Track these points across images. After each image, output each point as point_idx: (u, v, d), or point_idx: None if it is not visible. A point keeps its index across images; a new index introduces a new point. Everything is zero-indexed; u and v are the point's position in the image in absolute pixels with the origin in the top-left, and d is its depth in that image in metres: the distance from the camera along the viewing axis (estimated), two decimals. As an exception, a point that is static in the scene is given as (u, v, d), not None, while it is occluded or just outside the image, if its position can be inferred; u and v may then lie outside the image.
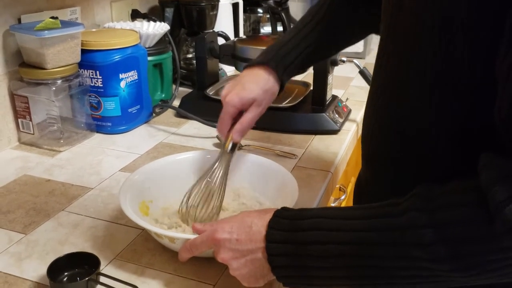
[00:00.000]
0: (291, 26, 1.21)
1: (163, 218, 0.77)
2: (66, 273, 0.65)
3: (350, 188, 1.26)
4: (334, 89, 1.23)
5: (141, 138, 1.12)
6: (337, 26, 0.85)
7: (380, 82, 0.65)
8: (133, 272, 0.67)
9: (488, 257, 0.47)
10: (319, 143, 1.09)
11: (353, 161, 1.27)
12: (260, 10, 1.79)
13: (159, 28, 1.24)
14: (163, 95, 1.31)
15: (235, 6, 1.59)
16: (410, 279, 0.51)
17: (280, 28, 1.68)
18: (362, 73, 1.25)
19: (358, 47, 1.76)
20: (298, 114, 1.14)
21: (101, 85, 1.09)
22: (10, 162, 0.99)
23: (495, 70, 0.48)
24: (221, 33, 1.36)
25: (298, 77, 1.38)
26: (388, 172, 0.65)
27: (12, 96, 1.05)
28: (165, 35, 1.27)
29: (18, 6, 1.04)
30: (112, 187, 0.90)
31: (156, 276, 0.67)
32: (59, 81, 1.03)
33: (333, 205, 1.12)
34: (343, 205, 1.16)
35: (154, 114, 1.23)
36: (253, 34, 1.79)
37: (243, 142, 1.07)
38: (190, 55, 1.49)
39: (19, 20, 1.05)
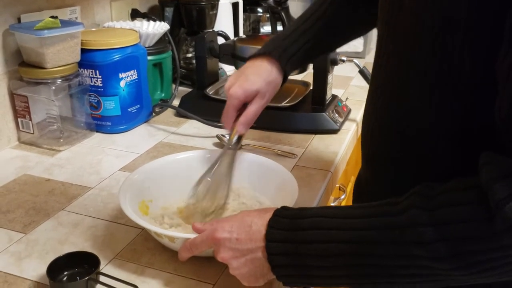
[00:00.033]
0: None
1: (163, 218, 0.77)
2: (66, 273, 0.65)
3: (350, 187, 1.26)
4: (334, 88, 1.23)
5: (140, 137, 1.12)
6: (337, 25, 0.85)
7: (380, 82, 0.65)
8: (133, 272, 0.67)
9: (488, 256, 0.47)
10: (319, 143, 1.09)
11: (353, 160, 1.27)
12: (260, 10, 1.79)
13: (159, 27, 1.24)
14: (163, 95, 1.31)
15: (235, 5, 1.59)
16: (410, 277, 0.51)
17: (280, 28, 1.68)
18: (362, 72, 1.25)
19: (358, 46, 1.76)
20: (298, 113, 1.14)
21: (101, 85, 1.09)
22: (10, 161, 0.99)
23: (495, 70, 0.48)
24: (221, 32, 1.36)
25: (298, 77, 1.38)
26: (388, 172, 0.65)
27: (12, 96, 1.05)
28: (165, 34, 1.27)
29: (18, 5, 1.04)
30: (112, 186, 0.90)
31: (156, 275, 0.67)
32: (58, 81, 1.03)
33: (333, 204, 1.12)
34: (343, 204, 1.16)
35: (153, 114, 1.23)
36: (253, 33, 1.79)
37: (243, 141, 1.07)
38: (190, 55, 1.49)
39: (19, 20, 1.05)
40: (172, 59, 1.31)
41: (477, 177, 0.48)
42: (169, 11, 1.48)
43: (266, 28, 1.79)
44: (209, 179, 0.76)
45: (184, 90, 1.36)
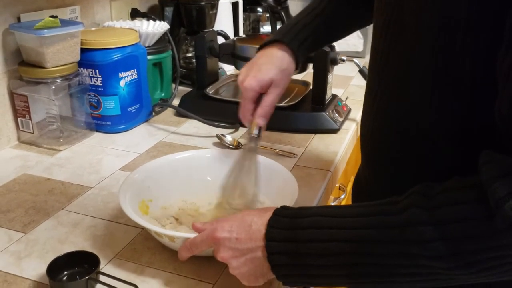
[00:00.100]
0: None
1: (163, 217, 0.77)
2: (65, 272, 0.65)
3: (350, 187, 1.26)
4: (334, 88, 1.23)
5: (140, 137, 1.12)
6: (336, 23, 0.85)
7: (380, 82, 0.65)
8: (133, 271, 0.67)
9: (487, 255, 0.47)
10: (319, 142, 1.09)
11: (352, 160, 1.27)
12: (259, 9, 1.79)
13: (159, 27, 1.24)
14: (163, 94, 1.31)
15: (234, 5, 1.59)
16: (410, 277, 0.51)
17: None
18: (361, 72, 1.25)
19: (358, 46, 1.76)
20: (298, 113, 1.14)
21: (101, 84, 1.09)
22: (10, 161, 0.99)
23: (495, 70, 0.48)
24: (221, 32, 1.36)
25: (298, 76, 1.38)
26: (388, 172, 0.65)
27: (12, 95, 1.05)
28: (164, 34, 1.27)
29: (18, 5, 1.04)
30: (111, 186, 0.90)
31: (156, 275, 0.67)
32: (58, 80, 1.03)
33: (332, 204, 1.12)
34: (342, 204, 1.16)
35: (153, 113, 1.23)
36: (253, 33, 1.79)
37: (243, 141, 1.07)
38: (189, 54, 1.49)
39: (19, 19, 1.05)
40: (172, 59, 1.32)
41: (477, 176, 0.48)
42: (169, 11, 1.48)
43: (266, 28, 1.80)
44: (235, 176, 0.75)
45: (184, 89, 1.36)
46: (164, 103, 1.25)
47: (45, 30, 0.97)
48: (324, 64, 1.13)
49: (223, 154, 0.89)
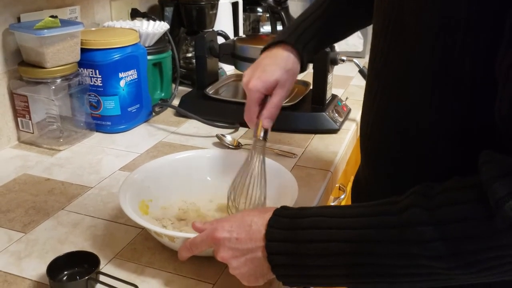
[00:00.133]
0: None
1: (163, 217, 0.77)
2: (65, 272, 0.65)
3: (350, 187, 1.26)
4: (334, 88, 1.23)
5: (140, 137, 1.12)
6: (338, 24, 0.85)
7: (380, 82, 0.65)
8: (133, 271, 0.67)
9: (487, 255, 0.47)
10: (318, 142, 1.09)
11: (352, 160, 1.27)
12: (259, 9, 1.79)
13: (159, 27, 1.24)
14: (163, 94, 1.31)
15: (234, 5, 1.59)
16: (410, 277, 0.51)
17: (280, 28, 1.68)
18: (361, 72, 1.25)
19: (358, 46, 1.76)
20: (298, 113, 1.14)
21: (101, 84, 1.09)
22: (10, 161, 0.99)
23: (495, 70, 0.48)
24: (221, 32, 1.36)
25: (298, 76, 1.38)
26: (388, 172, 0.65)
27: (12, 95, 1.05)
28: (164, 34, 1.27)
29: (18, 5, 1.04)
30: (111, 186, 0.90)
31: (156, 275, 0.67)
32: (58, 80, 1.03)
33: (332, 204, 1.12)
34: (342, 204, 1.16)
35: (153, 113, 1.23)
36: (253, 33, 1.79)
37: (243, 141, 1.07)
38: (189, 54, 1.49)
39: (19, 19, 1.05)
40: (172, 59, 1.32)
41: (476, 176, 0.48)
42: (169, 11, 1.48)
43: (266, 28, 1.80)
44: (242, 180, 0.74)
45: (184, 89, 1.36)
46: (164, 103, 1.25)
47: (45, 30, 0.97)
48: (324, 64, 1.13)
49: (223, 154, 0.89)
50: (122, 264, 0.69)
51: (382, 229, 0.52)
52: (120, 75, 1.09)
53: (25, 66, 1.02)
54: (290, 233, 0.56)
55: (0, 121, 1.03)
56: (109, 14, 1.35)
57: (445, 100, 0.54)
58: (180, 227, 0.76)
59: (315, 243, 0.55)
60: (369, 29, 1.19)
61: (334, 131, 1.13)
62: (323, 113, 1.13)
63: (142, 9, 1.47)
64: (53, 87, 1.02)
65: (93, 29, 1.21)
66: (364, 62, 1.57)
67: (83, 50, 1.07)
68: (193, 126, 1.17)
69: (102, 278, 0.64)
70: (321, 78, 1.14)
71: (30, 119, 1.05)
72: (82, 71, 1.08)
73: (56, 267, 0.63)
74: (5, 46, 1.03)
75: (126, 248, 0.72)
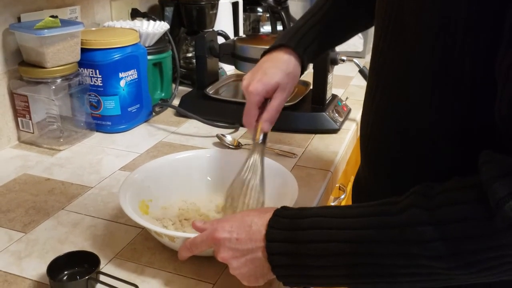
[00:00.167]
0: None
1: (163, 217, 0.77)
2: (66, 272, 0.65)
3: (350, 187, 1.26)
4: (334, 88, 1.23)
5: (141, 137, 1.12)
6: (338, 25, 0.85)
7: (380, 82, 0.65)
8: (133, 271, 0.67)
9: (487, 255, 0.47)
10: (319, 142, 1.09)
11: (352, 160, 1.27)
12: (259, 9, 1.79)
13: (159, 27, 1.24)
14: (163, 94, 1.31)
15: (235, 5, 1.59)
16: (410, 277, 0.51)
17: (280, 28, 1.68)
18: (361, 72, 1.25)
19: (358, 46, 1.76)
20: (298, 113, 1.14)
21: (101, 84, 1.09)
22: (10, 161, 0.99)
23: (495, 70, 0.48)
24: (221, 32, 1.36)
25: (298, 76, 1.38)
26: (388, 172, 0.65)
27: (12, 95, 1.05)
28: (164, 34, 1.27)
29: (18, 5, 1.04)
30: (112, 186, 0.90)
31: (156, 275, 0.67)
32: (58, 80, 1.03)
33: (332, 204, 1.12)
34: (342, 204, 1.17)
35: (153, 113, 1.23)
36: (253, 33, 1.79)
37: (243, 141, 1.07)
38: (190, 54, 1.49)
39: (19, 19, 1.05)
40: (172, 59, 1.32)
41: (476, 176, 0.48)
42: (169, 11, 1.48)
43: (266, 28, 1.79)
44: (241, 183, 0.74)
45: (184, 89, 1.36)
46: (164, 103, 1.25)
47: (45, 30, 0.97)
48: (324, 64, 1.13)
49: (223, 154, 0.89)
50: (122, 264, 0.69)
51: (382, 229, 0.52)
52: (120, 75, 1.10)
53: (25, 66, 1.02)
54: (290, 234, 0.56)
55: (0, 121, 1.03)
56: (109, 14, 1.35)
57: (445, 100, 0.54)
58: (181, 227, 0.76)
59: (315, 244, 0.55)
60: (370, 29, 1.19)
61: (334, 131, 1.13)
62: (323, 113, 1.13)
63: (142, 9, 1.47)
64: (53, 87, 1.02)
65: (93, 29, 1.21)
66: (364, 62, 1.57)
67: (83, 50, 1.07)
68: (193, 126, 1.17)
69: (102, 278, 0.64)
70: (321, 78, 1.14)
71: (30, 119, 1.05)
72: (82, 71, 1.08)
73: (56, 267, 0.63)
74: (5, 46, 1.03)
75: (126, 248, 0.72)
